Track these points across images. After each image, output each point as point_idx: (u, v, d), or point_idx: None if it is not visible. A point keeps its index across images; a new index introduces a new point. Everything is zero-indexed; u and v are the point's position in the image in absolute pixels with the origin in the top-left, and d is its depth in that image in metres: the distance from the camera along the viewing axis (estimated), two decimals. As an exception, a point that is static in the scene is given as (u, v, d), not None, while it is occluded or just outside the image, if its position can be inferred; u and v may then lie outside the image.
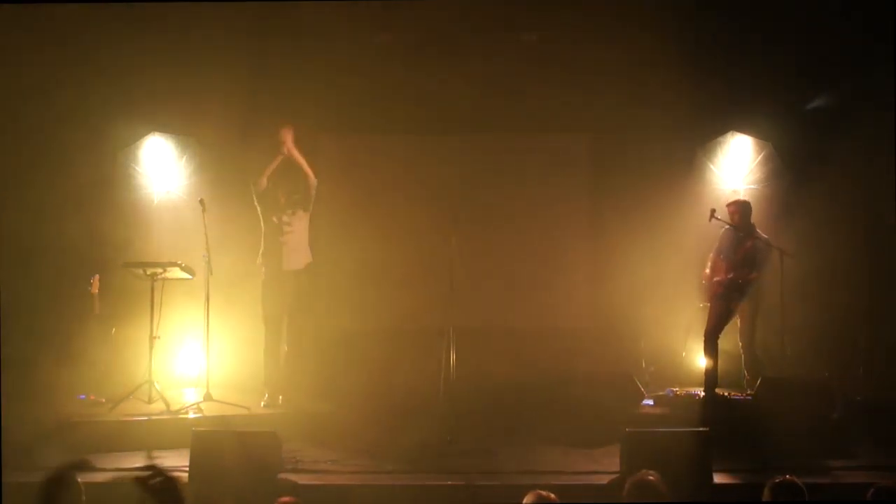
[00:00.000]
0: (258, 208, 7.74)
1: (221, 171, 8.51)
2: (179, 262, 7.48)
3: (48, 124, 7.85)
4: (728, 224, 7.61)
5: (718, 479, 5.93)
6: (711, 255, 7.77)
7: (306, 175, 7.74)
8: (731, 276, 7.51)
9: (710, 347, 7.54)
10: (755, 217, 7.72)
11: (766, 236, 7.62)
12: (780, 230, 7.84)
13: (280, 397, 7.62)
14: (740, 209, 7.64)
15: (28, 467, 6.02)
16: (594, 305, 8.85)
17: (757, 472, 5.94)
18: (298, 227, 7.74)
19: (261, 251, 7.72)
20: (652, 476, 4.04)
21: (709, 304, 7.72)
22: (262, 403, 7.55)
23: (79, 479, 4.10)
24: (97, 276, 7.81)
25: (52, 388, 7.34)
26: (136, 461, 6.53)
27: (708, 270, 7.76)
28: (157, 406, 7.30)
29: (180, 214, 8.44)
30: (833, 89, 8.34)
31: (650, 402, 7.52)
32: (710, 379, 7.49)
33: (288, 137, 7.69)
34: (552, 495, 3.89)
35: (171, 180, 8.71)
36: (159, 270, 7.48)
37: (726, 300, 7.56)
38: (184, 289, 7.84)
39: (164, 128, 8.65)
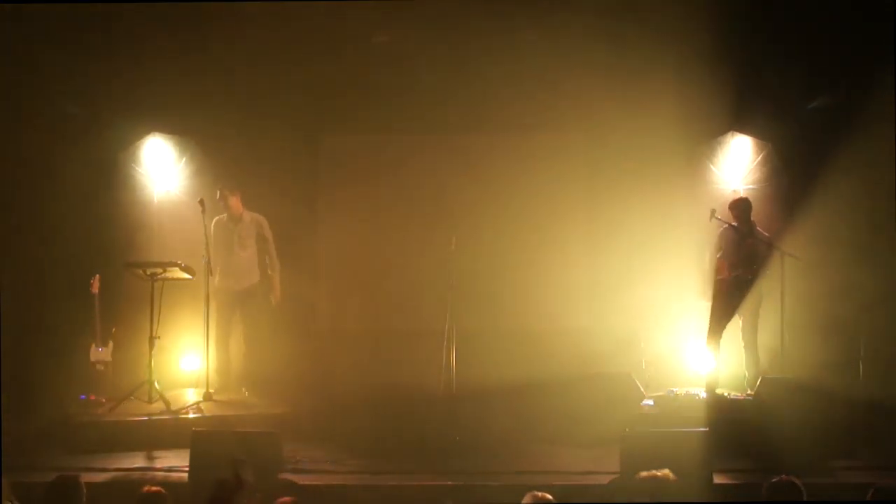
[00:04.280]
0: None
1: (221, 172, 8.50)
2: (179, 262, 7.48)
3: (48, 125, 7.86)
4: (728, 223, 7.61)
5: (718, 479, 5.91)
6: (709, 253, 7.77)
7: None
8: (735, 273, 7.50)
9: (713, 347, 7.54)
10: (755, 217, 7.73)
11: (766, 234, 7.64)
12: (780, 230, 7.84)
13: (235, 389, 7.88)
14: (741, 209, 7.63)
15: (28, 467, 6.06)
16: (594, 305, 8.84)
17: (757, 473, 5.94)
18: (248, 252, 8.02)
19: (218, 269, 7.83)
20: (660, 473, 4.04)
21: (710, 304, 7.72)
22: (211, 390, 7.66)
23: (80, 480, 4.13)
24: (97, 276, 7.82)
25: (52, 388, 7.36)
26: (137, 461, 6.58)
27: (709, 269, 7.76)
28: (157, 406, 7.30)
29: (180, 215, 8.45)
30: (833, 89, 8.33)
31: (650, 402, 7.51)
32: (711, 379, 7.49)
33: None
34: (548, 496, 3.89)
35: (171, 181, 8.71)
36: (159, 270, 7.47)
37: (729, 298, 7.53)
38: (184, 289, 7.83)
39: (164, 128, 8.65)
